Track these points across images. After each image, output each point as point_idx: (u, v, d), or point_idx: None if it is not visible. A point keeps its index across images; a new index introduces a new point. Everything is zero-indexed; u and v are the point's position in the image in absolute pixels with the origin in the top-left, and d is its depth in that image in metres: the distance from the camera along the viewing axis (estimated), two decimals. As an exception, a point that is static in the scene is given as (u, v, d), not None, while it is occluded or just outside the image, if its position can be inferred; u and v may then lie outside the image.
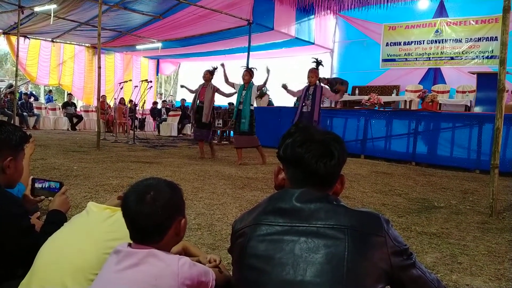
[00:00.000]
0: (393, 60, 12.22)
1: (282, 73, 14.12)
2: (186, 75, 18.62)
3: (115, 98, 12.06)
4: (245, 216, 1.21)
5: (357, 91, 10.81)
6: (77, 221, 1.41)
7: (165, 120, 14.78)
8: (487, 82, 7.91)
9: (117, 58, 16.76)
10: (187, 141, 11.67)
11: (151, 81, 10.91)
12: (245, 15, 10.34)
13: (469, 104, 9.44)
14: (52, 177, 4.40)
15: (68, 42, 15.50)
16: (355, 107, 9.58)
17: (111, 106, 13.69)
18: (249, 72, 6.88)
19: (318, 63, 6.59)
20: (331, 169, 1.15)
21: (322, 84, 6.75)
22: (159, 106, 16.57)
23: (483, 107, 7.96)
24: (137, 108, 11.86)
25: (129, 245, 1.16)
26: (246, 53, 10.56)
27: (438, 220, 3.65)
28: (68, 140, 9.67)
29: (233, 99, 12.18)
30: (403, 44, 12.02)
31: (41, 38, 14.53)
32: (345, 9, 12.52)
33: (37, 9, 11.09)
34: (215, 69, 7.46)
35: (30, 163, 2.56)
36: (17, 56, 11.36)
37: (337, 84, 9.52)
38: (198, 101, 7.37)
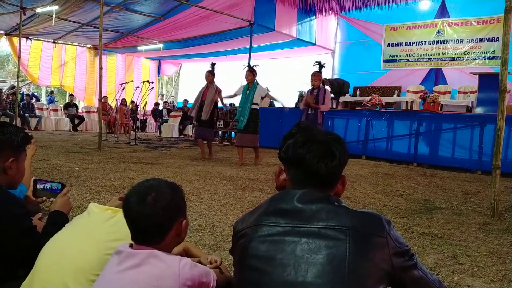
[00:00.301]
0: (395, 60, 12.21)
1: (284, 74, 14.18)
2: (188, 76, 18.65)
3: (116, 99, 12.07)
4: (247, 217, 1.21)
5: (358, 92, 10.80)
6: (79, 222, 1.41)
7: (166, 121, 14.79)
8: (489, 83, 7.90)
9: (118, 59, 16.80)
10: (189, 142, 11.67)
11: (152, 82, 10.91)
12: (246, 16, 10.34)
13: (470, 105, 9.42)
14: (54, 178, 4.41)
15: (69, 43, 15.54)
16: (357, 108, 9.57)
17: (113, 107, 13.71)
18: (252, 72, 6.90)
19: (321, 66, 6.65)
20: (332, 169, 1.15)
21: (326, 87, 6.81)
22: (160, 107, 16.60)
23: (484, 107, 7.95)
24: (138, 109, 11.87)
25: (131, 245, 1.16)
26: (248, 54, 10.56)
27: (439, 221, 3.65)
28: (69, 141, 9.69)
29: (233, 100, 12.25)
30: (405, 45, 12.01)
31: (43, 39, 14.57)
32: (347, 9, 12.51)
33: (39, 10, 11.13)
34: (213, 64, 7.50)
35: (32, 164, 2.57)
36: (19, 57, 11.38)
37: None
38: (201, 100, 7.40)
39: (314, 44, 12.88)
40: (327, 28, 13.45)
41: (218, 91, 7.33)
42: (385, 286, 1.07)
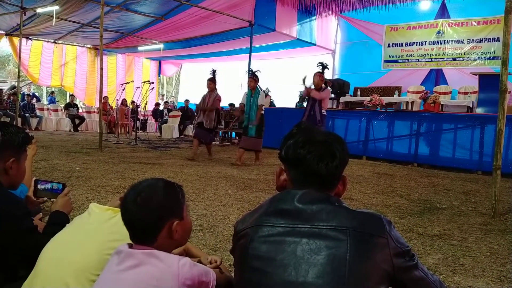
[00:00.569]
0: (395, 61, 12.21)
1: (284, 74, 14.18)
2: (188, 76, 18.66)
3: (117, 99, 12.08)
4: (247, 217, 1.21)
5: (359, 92, 10.81)
6: (79, 222, 1.41)
7: (166, 121, 14.80)
8: (489, 83, 7.90)
9: (119, 59, 16.81)
10: (189, 142, 11.67)
11: (153, 82, 10.92)
12: (246, 16, 10.34)
13: (471, 105, 9.42)
14: (55, 179, 4.41)
15: (70, 43, 15.55)
16: (357, 108, 9.57)
17: (113, 107, 13.72)
18: (254, 79, 6.95)
19: (324, 67, 6.68)
20: (333, 170, 1.15)
21: (327, 87, 6.85)
22: (161, 107, 16.61)
23: (485, 108, 7.95)
24: (139, 109, 11.87)
25: (130, 245, 1.17)
26: (248, 54, 10.56)
27: (440, 221, 3.65)
28: (70, 141, 9.69)
29: (233, 101, 12.23)
30: (405, 45, 12.01)
31: (43, 39, 14.58)
32: (347, 10, 12.51)
33: (39, 10, 11.14)
34: (214, 71, 7.52)
35: (33, 164, 2.57)
36: (20, 57, 11.39)
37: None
38: (202, 108, 7.44)
39: (315, 45, 12.89)
40: (327, 29, 13.45)
41: (217, 99, 7.35)
42: (386, 286, 1.07)
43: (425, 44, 11.64)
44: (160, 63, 18.23)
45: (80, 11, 11.61)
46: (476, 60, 10.85)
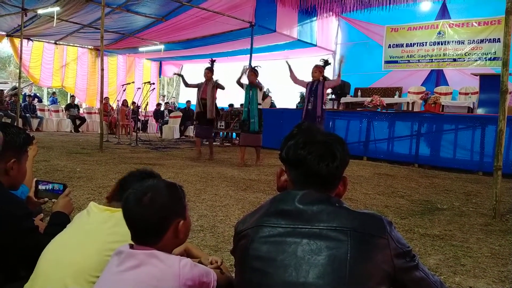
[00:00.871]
0: (396, 61, 12.21)
1: (285, 75, 14.17)
2: (189, 77, 18.65)
3: (117, 100, 12.09)
4: (248, 218, 1.21)
5: (359, 93, 10.80)
6: (79, 223, 1.41)
7: (167, 122, 14.80)
8: (490, 84, 7.89)
9: (119, 60, 16.82)
10: (190, 143, 11.68)
11: (153, 83, 10.93)
12: (247, 17, 10.35)
13: (472, 106, 9.41)
14: (56, 179, 4.41)
15: (71, 44, 15.56)
16: (358, 109, 9.56)
17: (114, 108, 13.73)
18: (254, 73, 6.91)
19: (326, 63, 6.64)
20: (333, 170, 1.15)
21: (326, 80, 6.73)
22: (162, 108, 16.62)
23: (486, 108, 7.94)
24: (139, 110, 11.88)
25: (131, 246, 1.17)
26: (249, 55, 10.57)
27: (441, 222, 3.64)
28: (71, 142, 9.70)
29: (234, 101, 12.22)
30: (406, 46, 12.00)
31: (44, 40, 14.59)
32: (347, 11, 12.50)
33: (40, 11, 11.15)
34: (213, 61, 7.51)
35: (33, 165, 2.57)
36: (21, 58, 11.39)
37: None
38: (200, 98, 7.41)
39: (315, 45, 12.89)
40: (328, 29, 13.45)
41: (215, 86, 7.34)
42: (386, 287, 1.07)
43: (425, 45, 11.64)
44: (160, 64, 18.23)
45: (81, 12, 11.62)
46: (476, 60, 10.84)
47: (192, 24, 11.58)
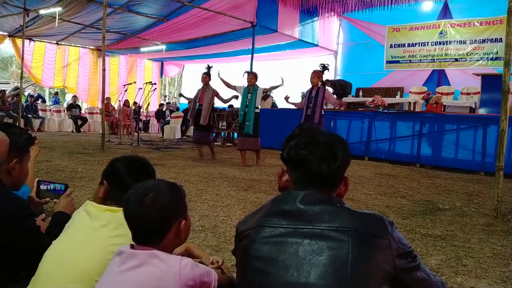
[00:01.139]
0: (397, 61, 12.20)
1: (286, 75, 14.17)
2: (190, 77, 18.67)
3: (119, 100, 12.11)
4: (249, 218, 1.21)
5: (361, 93, 10.79)
6: (80, 225, 1.38)
7: (168, 122, 14.82)
8: (492, 84, 7.88)
9: (121, 60, 16.84)
10: (191, 143, 11.68)
11: (155, 83, 10.93)
12: (249, 17, 10.35)
13: (473, 106, 9.40)
14: (57, 179, 4.42)
15: (72, 44, 15.59)
16: (359, 109, 9.55)
17: (116, 108, 13.75)
18: (254, 75, 6.91)
19: (325, 68, 6.61)
20: (335, 171, 1.15)
21: (326, 87, 6.74)
22: (164, 108, 16.63)
23: (487, 108, 7.93)
24: (141, 110, 11.90)
25: (132, 246, 1.17)
26: (250, 55, 10.58)
27: (442, 222, 3.64)
28: (72, 142, 9.72)
29: (233, 102, 12.23)
30: (407, 46, 11.99)
31: (46, 40, 14.62)
32: (349, 11, 12.50)
33: (42, 11, 11.17)
34: (210, 67, 7.48)
35: (35, 165, 2.57)
36: (22, 58, 11.42)
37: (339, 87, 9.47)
38: (198, 104, 7.41)
39: (317, 45, 12.89)
40: (329, 29, 13.45)
41: (215, 94, 7.34)
42: (388, 287, 1.07)
43: (427, 45, 11.62)
44: (162, 64, 18.25)
45: (83, 12, 11.64)
46: (478, 60, 10.83)
47: (193, 24, 11.59)
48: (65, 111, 15.07)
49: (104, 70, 8.17)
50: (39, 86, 16.59)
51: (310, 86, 6.66)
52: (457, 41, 11.16)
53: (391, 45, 12.26)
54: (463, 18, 11.05)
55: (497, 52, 10.42)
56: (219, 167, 6.51)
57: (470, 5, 10.83)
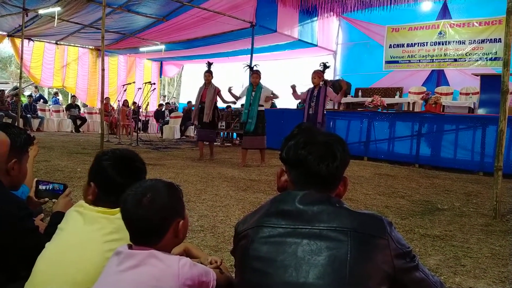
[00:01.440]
0: (396, 62, 12.21)
1: (285, 75, 14.18)
2: (189, 77, 18.67)
3: (118, 100, 12.10)
4: (248, 218, 1.21)
5: (360, 93, 10.80)
6: (73, 228, 1.34)
7: (167, 122, 14.81)
8: (491, 84, 7.89)
9: (120, 60, 16.83)
10: (190, 143, 11.68)
11: (154, 83, 10.93)
12: (248, 17, 10.35)
13: (472, 106, 9.41)
14: (56, 179, 4.42)
15: (72, 44, 15.57)
16: (358, 109, 9.56)
17: (115, 108, 13.74)
18: (258, 74, 6.91)
19: (326, 66, 6.61)
20: (334, 171, 1.15)
21: (328, 87, 6.76)
22: (163, 109, 16.63)
23: (486, 109, 7.93)
24: (140, 110, 11.90)
25: (130, 246, 1.17)
26: (249, 55, 10.57)
27: (441, 222, 3.64)
28: (71, 142, 9.71)
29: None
30: (406, 46, 12.00)
31: (45, 40, 14.60)
32: (348, 11, 12.51)
33: (41, 11, 11.16)
34: (210, 64, 7.47)
35: (34, 165, 2.57)
36: (21, 58, 11.40)
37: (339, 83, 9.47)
38: (200, 102, 7.40)
39: (316, 45, 12.89)
40: (328, 29, 13.46)
41: (217, 91, 7.33)
42: (386, 287, 1.07)
43: (426, 45, 11.63)
44: (161, 64, 18.24)
45: (82, 12, 11.63)
46: (477, 61, 10.84)
47: (193, 24, 11.59)
48: (64, 111, 15.06)
49: (103, 70, 8.14)
50: (39, 86, 16.58)
51: (309, 86, 6.68)
52: (456, 41, 11.17)
53: (390, 45, 12.27)
54: (462, 18, 11.06)
55: (496, 52, 10.44)
56: (218, 167, 6.51)
57: (469, 5, 10.84)
